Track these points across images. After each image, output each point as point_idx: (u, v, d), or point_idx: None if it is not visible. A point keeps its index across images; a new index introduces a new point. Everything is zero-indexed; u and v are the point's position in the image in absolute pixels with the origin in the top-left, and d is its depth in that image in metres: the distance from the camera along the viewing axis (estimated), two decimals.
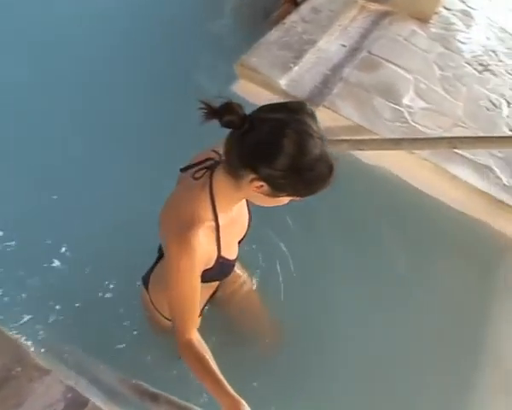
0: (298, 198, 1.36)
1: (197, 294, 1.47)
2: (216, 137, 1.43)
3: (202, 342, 1.50)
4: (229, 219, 1.49)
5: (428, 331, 2.40)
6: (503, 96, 3.48)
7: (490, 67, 3.73)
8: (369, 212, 2.72)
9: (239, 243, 1.69)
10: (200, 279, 1.46)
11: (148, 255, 1.87)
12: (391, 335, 2.32)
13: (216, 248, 1.47)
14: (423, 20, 3.98)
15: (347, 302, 2.37)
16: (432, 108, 3.18)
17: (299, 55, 3.25)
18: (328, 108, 2.95)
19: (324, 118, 2.91)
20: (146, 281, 1.89)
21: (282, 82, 3.06)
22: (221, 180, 1.39)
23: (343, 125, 2.89)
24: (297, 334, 2.25)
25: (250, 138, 1.25)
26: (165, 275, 1.45)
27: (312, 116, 1.27)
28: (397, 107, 3.09)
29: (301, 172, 1.25)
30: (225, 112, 1.24)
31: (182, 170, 1.56)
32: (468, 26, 4.16)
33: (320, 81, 3.14)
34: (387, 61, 3.44)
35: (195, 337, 1.49)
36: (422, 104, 3.18)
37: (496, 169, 2.91)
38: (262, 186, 1.30)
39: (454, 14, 4.25)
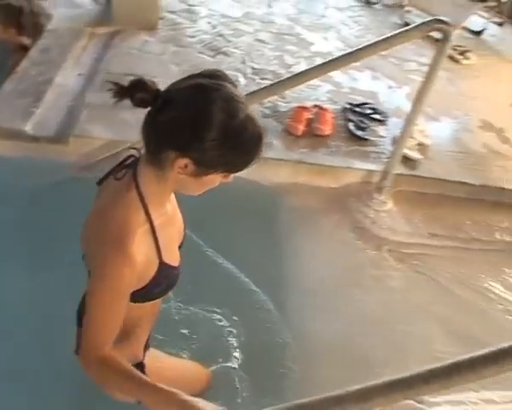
0: (229, 175, 1.25)
1: (124, 311, 1.30)
2: None
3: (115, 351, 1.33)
4: (164, 218, 1.33)
5: (248, 265, 2.66)
6: (238, 70, 3.84)
7: (221, 50, 4.08)
8: None
9: (179, 248, 1.52)
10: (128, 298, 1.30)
11: None
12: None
13: (155, 253, 1.29)
14: (151, 28, 4.20)
15: None
16: None
17: (38, 98, 3.23)
18: (80, 136, 2.99)
19: (78, 146, 2.97)
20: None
21: (28, 128, 3.02)
22: (145, 174, 1.25)
23: (100, 146, 2.96)
24: None
25: (168, 113, 1.13)
26: (93, 288, 1.26)
27: (231, 82, 1.19)
28: None
29: (232, 141, 1.14)
30: (136, 89, 1.14)
31: (99, 183, 1.39)
32: (194, 21, 4.50)
33: (65, 114, 3.17)
34: (126, 74, 3.57)
35: (108, 350, 1.30)
36: None
37: None
38: (186, 166, 1.17)
39: (178, 15, 4.56)
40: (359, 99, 3.69)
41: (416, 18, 5.05)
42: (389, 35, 2.59)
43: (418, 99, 2.78)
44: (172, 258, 1.39)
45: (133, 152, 1.34)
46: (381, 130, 3.45)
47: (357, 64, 4.07)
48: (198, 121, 1.12)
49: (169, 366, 1.84)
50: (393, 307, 2.65)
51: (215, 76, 1.17)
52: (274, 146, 3.16)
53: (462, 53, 4.90)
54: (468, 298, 2.85)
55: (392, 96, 3.86)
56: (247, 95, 3.09)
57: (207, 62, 3.87)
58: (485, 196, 3.45)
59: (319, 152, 3.20)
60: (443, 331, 2.61)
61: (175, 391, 1.23)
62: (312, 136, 3.26)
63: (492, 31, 5.66)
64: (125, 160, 1.34)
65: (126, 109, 3.26)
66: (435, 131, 3.73)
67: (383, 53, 4.10)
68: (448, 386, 1.28)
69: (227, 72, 3.65)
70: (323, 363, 2.32)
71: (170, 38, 4.15)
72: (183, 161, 1.16)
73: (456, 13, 5.17)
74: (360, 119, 3.44)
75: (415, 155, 3.26)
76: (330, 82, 3.82)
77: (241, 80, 3.71)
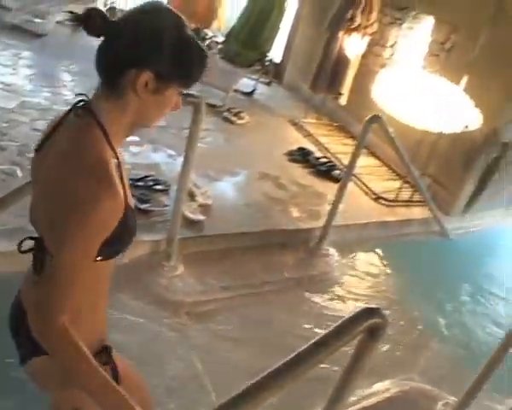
0: (182, 89, 1.30)
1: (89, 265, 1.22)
2: None
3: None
4: (121, 157, 1.29)
5: None
6: (15, 163, 3.73)
7: None
8: None
9: None
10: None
11: None
12: None
13: (122, 191, 1.21)
14: None
15: None
16: None
17: None
18: None
19: None
20: (32, 349, 1.37)
21: None
22: (105, 109, 1.23)
23: None
24: None
25: (124, 33, 1.20)
26: (68, 229, 1.15)
27: None
28: None
29: (185, 48, 1.23)
30: (91, 17, 1.19)
31: (37, 149, 1.33)
32: None
33: None
34: None
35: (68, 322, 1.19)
36: None
37: None
38: (147, 85, 1.21)
39: None
40: (141, 173, 3.82)
41: None
42: None
43: (185, 164, 2.99)
44: (131, 202, 1.32)
45: (80, 98, 1.31)
46: (164, 199, 3.61)
47: (137, 139, 4.26)
48: (153, 32, 1.20)
49: (132, 371, 1.72)
50: (198, 366, 2.75)
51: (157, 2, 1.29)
52: None
53: (236, 114, 5.36)
54: (267, 338, 3.06)
55: (173, 164, 4.07)
56: None
57: None
58: (269, 240, 3.79)
59: None
60: (250, 376, 2.76)
61: (133, 401, 1.21)
62: None
63: (262, 90, 6.29)
64: (74, 105, 1.29)
65: None
66: (218, 190, 4.01)
67: (162, 124, 4.35)
68: None
69: (2, 167, 3.54)
70: None
71: None
72: (144, 77, 1.19)
73: (228, 79, 5.68)
74: (142, 192, 3.56)
75: (198, 216, 3.47)
76: None
77: (19, 173, 3.62)
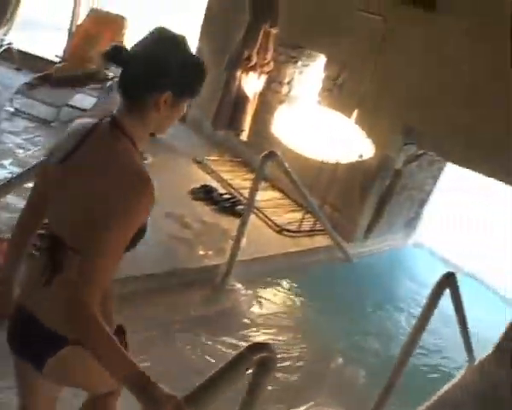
0: (190, 100, 1.56)
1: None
2: None
3: None
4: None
5: None
6: None
7: None
8: None
9: None
10: None
11: None
12: None
13: None
14: None
15: None
16: None
17: None
18: None
19: None
20: (53, 344, 1.54)
21: None
22: (131, 123, 1.46)
23: None
24: None
25: (139, 65, 1.42)
26: (112, 225, 1.35)
27: None
28: None
29: (190, 66, 1.48)
30: (111, 52, 1.42)
31: (63, 161, 1.50)
32: None
33: None
34: None
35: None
36: None
37: None
38: (166, 101, 1.45)
39: None
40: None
41: None
42: None
43: None
44: None
45: (97, 120, 1.54)
46: None
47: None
48: (167, 60, 1.43)
49: None
50: None
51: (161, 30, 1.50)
52: None
53: None
54: (173, 379, 3.02)
55: None
56: None
57: None
58: (175, 280, 3.79)
59: None
60: None
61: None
62: None
63: None
64: (97, 124, 1.52)
65: None
66: None
67: None
68: None
69: None
70: None
71: None
72: (164, 98, 1.44)
73: None
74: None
75: None
76: (9, 209, 3.78)
77: None
